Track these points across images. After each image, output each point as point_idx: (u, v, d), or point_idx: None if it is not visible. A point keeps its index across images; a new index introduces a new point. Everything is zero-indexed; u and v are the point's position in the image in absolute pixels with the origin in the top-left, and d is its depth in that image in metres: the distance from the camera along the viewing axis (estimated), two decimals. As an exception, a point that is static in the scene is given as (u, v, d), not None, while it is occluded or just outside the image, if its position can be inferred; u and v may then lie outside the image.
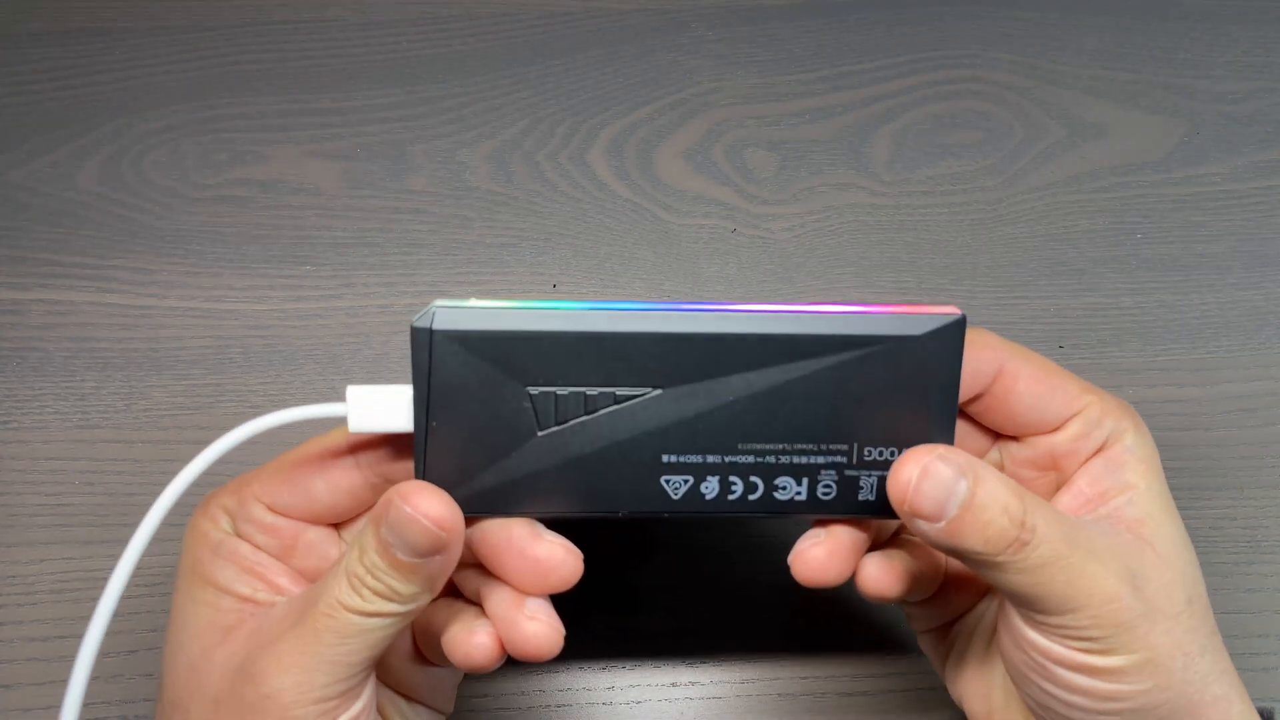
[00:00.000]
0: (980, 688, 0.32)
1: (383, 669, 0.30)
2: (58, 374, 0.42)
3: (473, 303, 0.26)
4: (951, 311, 0.27)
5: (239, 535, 0.28)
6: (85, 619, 0.37)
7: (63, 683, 0.36)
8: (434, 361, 0.26)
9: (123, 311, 0.43)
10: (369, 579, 0.25)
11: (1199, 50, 0.52)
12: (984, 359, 0.29)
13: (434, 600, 0.27)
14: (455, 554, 0.26)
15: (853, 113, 0.49)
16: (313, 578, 0.29)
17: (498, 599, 0.27)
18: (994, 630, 0.31)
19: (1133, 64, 0.51)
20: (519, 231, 0.46)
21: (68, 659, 0.36)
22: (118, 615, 0.37)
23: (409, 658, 0.31)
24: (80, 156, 0.47)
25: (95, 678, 0.36)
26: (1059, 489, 0.30)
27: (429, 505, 0.25)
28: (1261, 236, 0.46)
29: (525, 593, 0.27)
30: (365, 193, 0.47)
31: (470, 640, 0.27)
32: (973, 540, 0.25)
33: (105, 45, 0.50)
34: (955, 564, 0.32)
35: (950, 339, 0.27)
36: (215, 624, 0.27)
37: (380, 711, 0.29)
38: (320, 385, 0.42)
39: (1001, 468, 0.31)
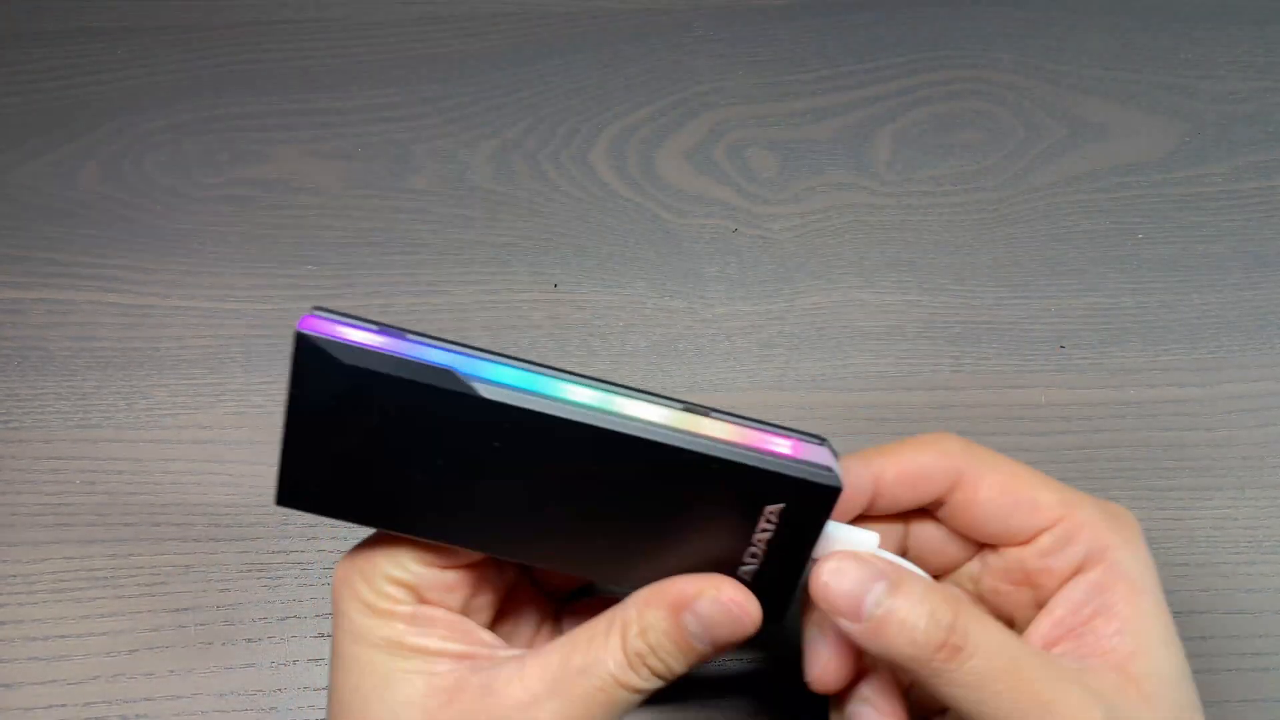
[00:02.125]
0: None
1: None
2: (59, 373, 0.42)
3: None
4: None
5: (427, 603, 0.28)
6: (85, 618, 0.37)
7: (63, 683, 0.37)
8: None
9: (124, 311, 0.43)
10: (651, 659, 0.26)
11: (1200, 50, 0.51)
12: (938, 467, 0.28)
13: None
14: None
15: (853, 113, 0.49)
16: (496, 612, 0.29)
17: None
18: None
19: (1133, 64, 0.51)
20: (520, 231, 0.46)
21: (68, 659, 0.37)
22: (118, 615, 0.38)
23: None
24: (82, 156, 0.47)
25: (95, 677, 0.36)
26: (1038, 607, 0.28)
27: (749, 604, 0.26)
28: (1262, 236, 0.46)
29: None
30: (366, 192, 0.47)
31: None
32: (897, 642, 0.24)
33: (106, 45, 0.50)
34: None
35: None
36: (435, 688, 0.27)
37: None
38: (321, 385, 0.42)
39: (979, 579, 0.30)
